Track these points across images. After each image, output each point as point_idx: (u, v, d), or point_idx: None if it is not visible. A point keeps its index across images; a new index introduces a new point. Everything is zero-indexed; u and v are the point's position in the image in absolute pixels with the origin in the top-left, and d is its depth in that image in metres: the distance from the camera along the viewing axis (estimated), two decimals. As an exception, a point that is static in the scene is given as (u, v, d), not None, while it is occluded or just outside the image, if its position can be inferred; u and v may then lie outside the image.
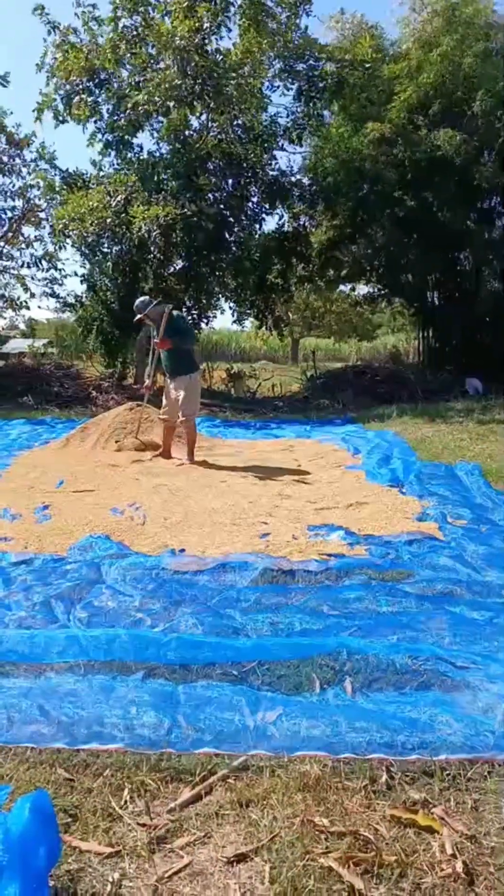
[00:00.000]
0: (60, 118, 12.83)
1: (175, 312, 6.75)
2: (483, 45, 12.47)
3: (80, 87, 12.44)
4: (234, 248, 13.25)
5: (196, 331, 14.78)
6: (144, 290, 13.05)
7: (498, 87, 12.08)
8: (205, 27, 11.48)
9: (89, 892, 1.55)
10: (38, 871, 1.45)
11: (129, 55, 12.17)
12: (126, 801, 1.86)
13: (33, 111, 12.80)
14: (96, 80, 12.54)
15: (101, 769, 1.98)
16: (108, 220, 11.51)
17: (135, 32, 12.19)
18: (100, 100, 12.77)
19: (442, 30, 12.72)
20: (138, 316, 6.72)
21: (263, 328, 16.37)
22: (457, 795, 1.86)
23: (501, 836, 1.72)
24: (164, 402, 6.90)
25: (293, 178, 14.49)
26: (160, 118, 12.52)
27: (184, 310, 14.62)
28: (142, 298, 6.84)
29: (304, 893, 1.52)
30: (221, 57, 12.05)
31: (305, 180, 14.80)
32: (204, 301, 14.23)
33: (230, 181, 13.53)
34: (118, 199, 11.64)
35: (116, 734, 2.11)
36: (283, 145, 13.99)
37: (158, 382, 8.60)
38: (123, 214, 11.50)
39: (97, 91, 12.65)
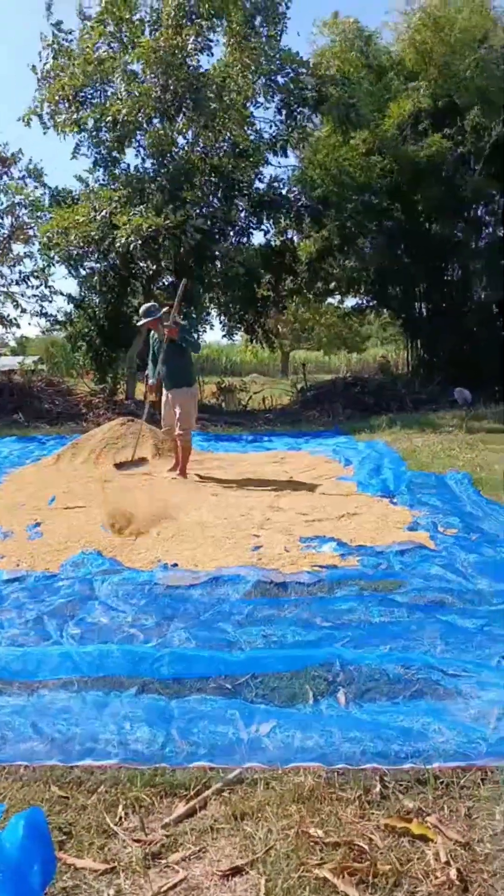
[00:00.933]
0: (46, 126, 12.92)
1: (184, 322, 6.81)
2: (476, 54, 12.59)
3: (69, 96, 12.53)
4: (221, 262, 13.32)
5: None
6: (133, 306, 13.11)
7: (480, 99, 12.25)
8: (188, 46, 11.60)
9: (85, 909, 1.55)
10: (32, 889, 1.45)
11: (111, 66, 12.27)
12: (121, 818, 1.86)
13: (19, 119, 12.86)
14: (81, 95, 12.63)
15: (95, 785, 1.98)
16: (93, 234, 11.57)
17: (117, 43, 12.31)
18: (84, 113, 12.86)
19: (434, 38, 12.86)
20: (145, 321, 6.60)
21: (254, 342, 16.42)
22: (450, 803, 1.87)
23: (495, 842, 1.73)
24: (164, 417, 6.90)
25: (281, 192, 14.60)
26: (142, 134, 12.63)
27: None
28: (148, 304, 6.79)
29: (299, 905, 1.53)
30: (203, 71, 12.19)
31: (293, 193, 14.91)
32: (194, 315, 14.28)
33: (217, 195, 13.62)
34: (103, 213, 11.70)
35: (110, 750, 2.11)
36: (268, 159, 14.11)
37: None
38: (107, 227, 11.56)
39: (81, 106, 12.74)
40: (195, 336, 6.86)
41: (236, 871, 1.65)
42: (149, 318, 6.55)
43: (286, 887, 1.57)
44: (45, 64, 12.68)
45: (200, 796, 1.92)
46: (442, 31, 12.83)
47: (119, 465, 6.95)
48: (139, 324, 6.95)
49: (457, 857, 1.67)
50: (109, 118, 11.84)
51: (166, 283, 13.81)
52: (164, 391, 6.81)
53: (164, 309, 6.69)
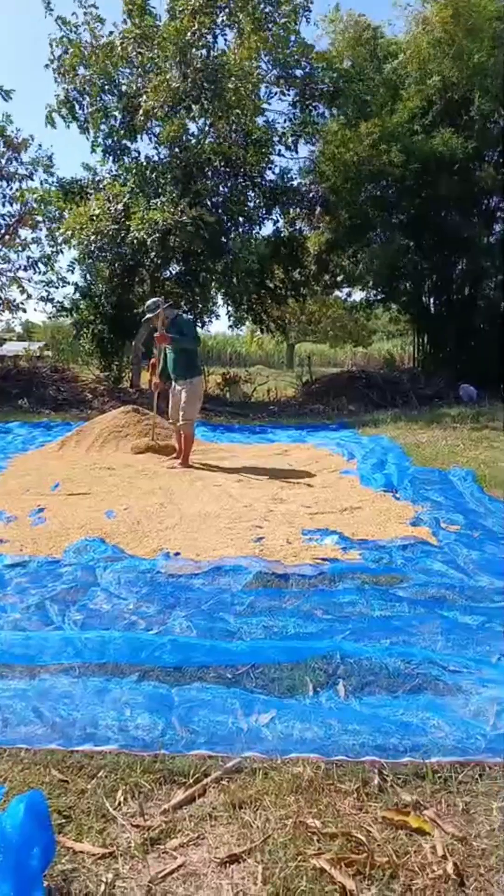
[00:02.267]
0: (68, 121, 12.92)
1: (184, 316, 6.87)
2: (491, 35, 12.47)
3: (91, 87, 12.50)
4: (231, 253, 13.30)
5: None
6: (140, 294, 13.11)
7: (494, 85, 12.13)
8: (205, 32, 11.55)
9: (83, 893, 1.56)
10: (32, 872, 1.46)
11: (136, 54, 12.23)
12: (120, 803, 1.87)
13: (45, 118, 12.87)
14: (102, 83, 12.60)
15: (95, 770, 1.99)
16: (109, 230, 11.57)
17: (139, 32, 12.26)
18: (109, 105, 12.84)
19: (450, 20, 12.73)
20: (148, 316, 6.73)
21: (261, 332, 16.40)
22: (448, 798, 1.88)
23: (492, 837, 1.73)
24: (171, 407, 6.96)
25: (293, 183, 14.55)
26: (157, 123, 12.59)
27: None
28: (153, 300, 6.85)
29: (296, 894, 1.54)
30: (220, 60, 12.12)
31: (305, 184, 14.85)
32: (201, 305, 14.26)
33: (228, 185, 13.58)
34: (117, 206, 11.69)
35: (111, 736, 2.12)
36: (279, 151, 14.06)
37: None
38: (123, 220, 11.55)
39: (104, 95, 12.72)
40: (193, 332, 6.87)
41: (234, 858, 1.67)
42: (150, 315, 6.68)
43: (283, 876, 1.58)
44: (58, 61, 12.65)
45: (199, 784, 1.93)
46: (461, 15, 12.69)
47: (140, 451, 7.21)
48: (144, 320, 7.05)
49: (454, 852, 1.68)
50: (141, 112, 11.79)
51: (173, 273, 13.79)
52: (172, 382, 6.88)
53: (168, 304, 6.76)
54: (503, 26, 12.79)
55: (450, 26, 12.72)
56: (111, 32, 12.46)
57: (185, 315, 6.86)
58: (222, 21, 12.23)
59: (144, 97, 11.72)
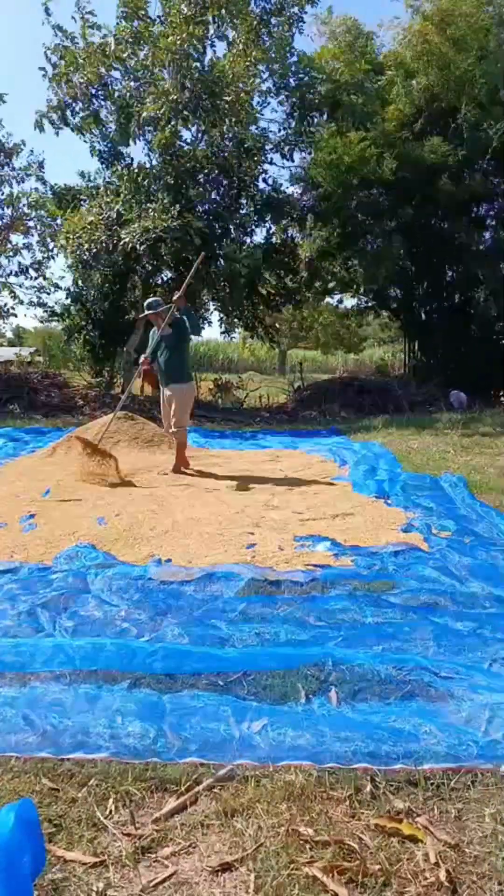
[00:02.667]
0: (57, 127, 12.93)
1: (184, 320, 6.82)
2: (476, 46, 12.59)
3: (80, 94, 12.52)
4: (222, 260, 13.32)
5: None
6: (132, 301, 13.12)
7: (482, 94, 12.23)
8: (198, 42, 11.61)
9: (73, 902, 1.55)
10: (22, 880, 1.45)
11: (128, 56, 12.26)
12: (111, 811, 1.86)
13: (35, 123, 12.85)
14: (95, 89, 12.62)
15: (85, 779, 1.98)
16: (101, 237, 11.59)
17: (132, 38, 12.30)
18: (102, 108, 12.85)
19: (436, 30, 12.85)
20: (147, 312, 6.73)
21: (253, 338, 16.42)
22: (440, 805, 1.88)
23: (484, 844, 1.73)
24: (163, 415, 6.94)
25: (285, 191, 14.61)
26: (150, 129, 12.62)
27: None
28: (154, 299, 6.89)
29: (288, 902, 1.53)
30: (216, 71, 12.19)
31: (296, 192, 14.92)
32: (193, 312, 14.27)
33: (220, 193, 13.62)
34: (111, 214, 11.71)
35: (102, 743, 2.11)
36: (272, 159, 14.13)
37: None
38: (115, 227, 11.57)
39: (98, 101, 12.73)
40: (196, 321, 6.89)
41: (226, 867, 1.66)
42: (150, 311, 6.67)
43: (276, 884, 1.58)
44: (53, 68, 12.67)
45: (191, 792, 1.92)
46: (447, 26, 12.80)
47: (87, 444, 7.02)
48: (141, 315, 7.06)
49: (446, 859, 1.67)
50: (140, 119, 11.83)
51: (166, 279, 13.81)
52: (161, 388, 6.85)
53: (167, 306, 6.76)
54: (490, 38, 12.91)
55: (436, 38, 12.83)
56: (105, 35, 12.49)
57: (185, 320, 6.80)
58: (215, 31, 12.27)
59: (146, 104, 11.73)
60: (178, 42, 11.36)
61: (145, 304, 6.86)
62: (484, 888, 1.59)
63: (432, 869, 1.64)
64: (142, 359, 6.90)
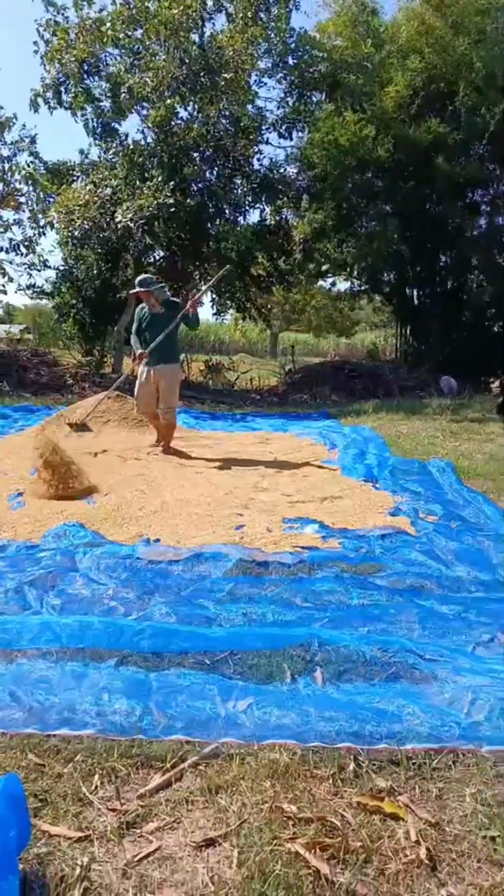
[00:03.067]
0: (52, 106, 12.74)
1: (177, 301, 6.73)
2: (474, 29, 12.47)
3: (72, 73, 12.33)
4: (215, 240, 13.22)
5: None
6: (124, 279, 13.02)
7: (479, 78, 12.13)
8: (196, 13, 11.43)
9: (58, 876, 1.56)
10: (7, 854, 1.46)
11: (123, 36, 12.07)
12: (96, 787, 1.87)
13: (30, 102, 12.66)
14: (87, 66, 12.42)
15: (71, 755, 1.99)
16: (95, 215, 11.46)
17: (130, 12, 12.10)
18: (93, 85, 12.67)
19: (434, 12, 12.72)
20: (138, 289, 6.47)
21: (245, 319, 16.32)
22: (422, 784, 1.90)
23: (464, 823, 1.76)
24: (140, 394, 6.65)
25: (281, 171, 14.45)
26: (145, 105, 12.46)
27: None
28: (146, 276, 6.65)
29: (270, 878, 1.55)
30: (217, 47, 12.02)
31: (292, 171, 14.78)
32: (184, 292, 14.18)
33: (215, 171, 13.49)
34: (105, 192, 11.58)
35: (88, 720, 2.12)
36: (267, 139, 13.98)
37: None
38: (109, 206, 11.45)
39: (90, 78, 12.54)
40: (198, 318, 6.77)
41: (210, 842, 1.68)
42: (142, 288, 6.45)
43: (258, 860, 1.60)
44: (46, 45, 12.46)
45: (176, 769, 1.94)
46: (443, 7, 12.68)
47: (73, 426, 7.19)
48: (132, 291, 6.92)
49: (427, 837, 1.70)
50: (125, 89, 11.66)
51: (158, 258, 13.69)
52: (144, 367, 6.56)
53: (160, 285, 6.65)
54: (487, 21, 12.79)
55: (434, 19, 12.70)
56: (101, 10, 12.29)
57: (177, 301, 6.70)
58: (213, 4, 12.08)
59: (140, 79, 11.57)
60: (175, 15, 11.18)
61: (137, 280, 6.64)
62: (463, 866, 1.62)
63: (413, 847, 1.66)
64: (137, 352, 6.66)
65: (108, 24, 12.06)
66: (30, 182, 13.77)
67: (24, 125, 14.52)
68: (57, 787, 1.86)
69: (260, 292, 16.25)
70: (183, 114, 12.91)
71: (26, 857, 1.60)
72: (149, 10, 11.93)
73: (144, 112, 12.70)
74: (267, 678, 2.42)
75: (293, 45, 12.78)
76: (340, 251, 15.26)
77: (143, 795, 1.84)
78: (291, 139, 14.10)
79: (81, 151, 13.75)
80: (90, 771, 1.93)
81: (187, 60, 11.51)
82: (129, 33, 12.11)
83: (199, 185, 12.81)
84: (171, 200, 10.93)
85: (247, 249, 13.83)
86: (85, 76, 12.55)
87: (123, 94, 11.88)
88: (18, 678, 2.33)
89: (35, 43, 12.57)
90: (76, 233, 12.05)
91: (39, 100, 12.72)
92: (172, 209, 11.06)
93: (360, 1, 14.18)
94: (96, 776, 1.91)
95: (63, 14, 12.42)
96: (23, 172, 13.81)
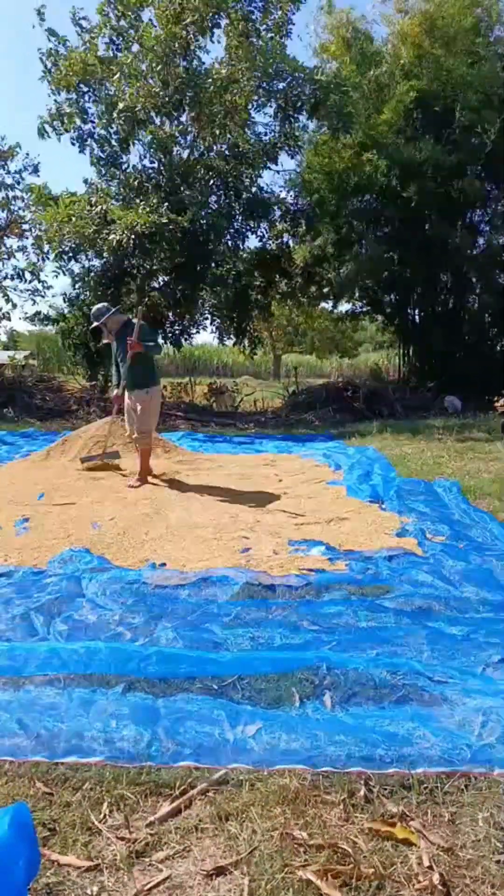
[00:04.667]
0: (59, 132, 12.94)
1: (140, 322, 6.27)
2: (467, 49, 12.64)
3: (72, 97, 12.56)
4: (216, 264, 13.32)
5: (179, 346, 14.83)
6: (129, 305, 13.12)
7: (476, 99, 12.27)
8: (189, 36, 11.65)
9: (68, 906, 1.55)
10: (16, 884, 1.45)
11: (115, 55, 12.30)
12: (105, 815, 1.86)
13: (38, 130, 12.86)
14: (85, 87, 12.65)
15: (80, 783, 1.98)
16: (86, 231, 11.57)
17: (121, 36, 12.34)
18: (88, 105, 12.88)
19: (423, 33, 12.90)
20: (94, 324, 6.29)
21: (237, 345, 16.34)
22: (434, 808, 1.89)
23: (478, 848, 1.74)
24: (126, 420, 6.55)
25: (278, 196, 14.61)
26: (144, 132, 12.66)
27: (167, 325, 14.66)
28: (98, 305, 6.44)
29: (282, 906, 1.53)
30: (204, 68, 12.24)
31: (290, 197, 14.94)
32: (187, 317, 14.28)
33: (214, 197, 13.64)
34: (98, 209, 11.71)
35: (96, 747, 2.11)
36: (267, 165, 14.14)
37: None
38: (101, 221, 11.57)
39: (85, 97, 12.76)
40: (155, 337, 6.52)
41: (220, 870, 1.66)
42: (96, 323, 6.26)
43: (270, 888, 1.58)
44: (50, 74, 12.70)
45: (185, 796, 1.92)
46: (435, 30, 12.87)
47: (85, 459, 7.04)
48: (91, 328, 6.64)
49: (440, 862, 1.68)
50: (116, 111, 11.86)
51: (161, 283, 13.80)
52: (126, 393, 6.42)
53: (116, 309, 6.42)
54: (479, 40, 12.98)
55: (424, 41, 12.88)
56: (93, 36, 12.52)
57: (136, 322, 6.29)
58: (204, 26, 12.27)
59: (123, 96, 11.77)
60: (163, 38, 11.40)
61: (91, 313, 6.41)
62: (477, 891, 1.60)
63: (426, 872, 1.64)
64: (114, 394, 6.54)
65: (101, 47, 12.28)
66: (34, 207, 13.93)
67: (27, 154, 14.65)
68: (65, 815, 1.85)
69: (260, 316, 16.31)
70: (182, 140, 13.10)
71: (35, 887, 1.59)
72: (137, 26, 12.16)
73: (146, 139, 12.89)
74: (275, 703, 2.40)
75: (283, 73, 12.95)
76: (340, 274, 15.32)
77: (152, 823, 1.83)
78: (277, 163, 14.26)
79: (86, 181, 13.89)
80: (99, 799, 1.92)
81: (172, 82, 11.69)
82: (123, 55, 12.31)
83: (198, 208, 12.93)
84: (165, 220, 11.02)
85: (246, 273, 13.92)
86: (81, 97, 12.76)
87: (117, 117, 12.02)
88: (26, 705, 2.32)
89: (43, 71, 12.80)
90: (66, 247, 12.14)
91: (47, 127, 12.91)
92: (170, 227, 11.15)
93: (353, 27, 14.42)
94: (105, 804, 1.90)
95: (65, 44, 12.65)
96: (28, 199, 13.98)
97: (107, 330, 6.29)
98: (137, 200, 11.79)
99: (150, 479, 6.51)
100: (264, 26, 12.62)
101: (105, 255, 12.06)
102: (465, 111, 12.44)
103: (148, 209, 11.24)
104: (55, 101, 12.77)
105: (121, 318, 6.36)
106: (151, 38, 11.51)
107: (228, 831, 1.79)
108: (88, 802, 1.90)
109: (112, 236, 11.09)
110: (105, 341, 6.52)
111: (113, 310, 6.34)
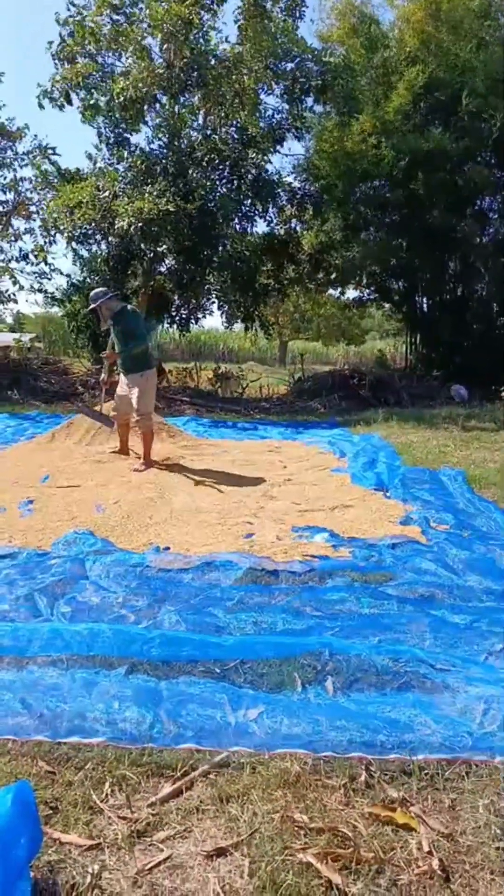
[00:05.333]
0: (59, 105, 12.81)
1: (129, 309, 6.41)
2: (475, 33, 12.49)
3: (80, 81, 12.43)
4: (223, 248, 13.26)
5: (186, 329, 14.78)
6: (134, 288, 13.07)
7: (483, 85, 12.13)
8: (192, 17, 11.51)
9: (69, 884, 1.56)
10: (18, 862, 1.46)
11: (121, 38, 12.17)
12: (107, 795, 1.87)
13: (38, 102, 12.74)
14: (90, 79, 12.53)
15: (82, 763, 1.99)
16: (95, 215, 11.51)
17: (126, 14, 12.21)
18: (97, 97, 12.77)
19: (432, 23, 12.75)
20: (91, 306, 6.41)
21: (249, 330, 16.30)
22: (434, 794, 1.89)
23: (477, 834, 1.74)
24: (116, 402, 6.64)
25: (285, 180, 14.52)
26: (154, 114, 12.57)
27: (173, 309, 14.60)
28: (97, 290, 6.51)
29: (282, 888, 1.54)
30: (208, 48, 12.11)
31: (297, 182, 14.84)
32: (194, 301, 14.23)
33: (223, 181, 13.55)
34: (106, 194, 11.64)
35: (98, 728, 2.12)
36: (275, 148, 14.02)
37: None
38: (109, 208, 11.51)
39: (93, 91, 12.65)
40: (140, 327, 6.46)
41: (221, 851, 1.67)
42: (93, 304, 6.38)
43: (270, 870, 1.59)
44: (61, 44, 12.55)
45: (187, 777, 1.93)
46: (441, 13, 12.71)
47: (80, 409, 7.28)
48: (87, 310, 6.87)
49: (439, 848, 1.69)
50: (120, 99, 11.76)
51: (168, 266, 13.74)
52: (122, 378, 6.52)
53: (112, 294, 6.49)
54: (487, 23, 12.81)
55: (429, 26, 12.72)
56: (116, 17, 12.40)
57: (133, 308, 6.46)
58: (211, 4, 12.13)
59: (127, 85, 11.65)
60: (167, 17, 11.27)
61: (89, 296, 6.56)
62: (476, 877, 1.61)
63: (425, 857, 1.65)
64: (102, 378, 6.74)
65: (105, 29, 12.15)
66: (41, 189, 13.85)
67: (35, 135, 14.53)
68: (67, 794, 1.86)
69: (268, 301, 16.24)
70: (191, 121, 13.00)
71: (37, 864, 1.60)
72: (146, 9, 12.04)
73: (153, 122, 12.80)
74: (277, 687, 2.41)
75: (292, 54, 12.80)
76: (347, 260, 15.22)
77: (153, 804, 1.84)
78: (283, 146, 14.14)
79: (89, 157, 13.76)
80: (101, 779, 1.93)
81: (177, 63, 11.57)
82: (126, 36, 12.18)
83: (205, 192, 12.85)
84: (172, 207, 10.95)
85: (254, 258, 13.84)
86: (91, 90, 12.65)
87: (120, 98, 11.91)
88: (29, 685, 2.33)
89: (50, 42, 12.64)
90: (76, 233, 12.09)
91: (46, 98, 12.77)
92: (174, 214, 11.08)
93: (360, 10, 14.26)
94: (107, 784, 1.91)
95: (83, 14, 12.49)
96: (35, 180, 13.90)
97: (101, 314, 6.38)
98: (145, 186, 11.70)
99: (154, 464, 6.50)
100: (278, 7, 12.45)
101: (110, 239, 12.00)
102: (471, 97, 12.28)
103: (155, 193, 11.16)
104: (62, 73, 12.58)
105: (114, 304, 6.38)
106: (159, 12, 11.34)
107: (229, 813, 1.80)
108: (90, 782, 1.91)
109: (120, 223, 11.03)
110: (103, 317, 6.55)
111: (108, 295, 6.37)
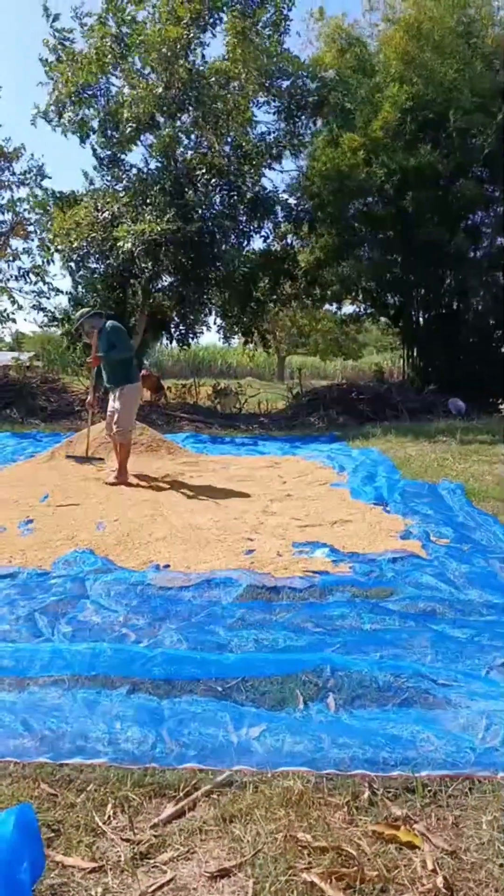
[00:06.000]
0: (54, 125, 12.95)
1: (110, 324, 6.46)
2: (457, 52, 12.64)
3: (73, 97, 12.56)
4: (221, 265, 13.34)
5: (185, 345, 14.84)
6: (133, 306, 13.12)
7: (470, 102, 12.26)
8: (188, 36, 11.65)
9: (72, 907, 1.55)
10: (21, 885, 1.45)
11: (116, 63, 12.31)
12: (109, 817, 1.86)
13: (32, 122, 12.89)
14: (84, 95, 12.65)
15: (84, 784, 1.98)
16: (94, 237, 11.60)
17: (122, 42, 12.35)
18: (88, 114, 12.88)
19: (413, 45, 12.92)
20: (75, 325, 6.66)
21: (250, 344, 16.36)
22: (438, 811, 1.88)
23: (482, 851, 1.74)
24: (108, 418, 6.69)
25: (281, 197, 14.63)
26: (149, 135, 12.67)
27: (171, 326, 14.66)
28: (81, 311, 6.77)
29: (286, 908, 1.53)
30: (204, 67, 12.25)
31: (292, 200, 14.96)
32: (191, 317, 14.29)
33: (218, 198, 13.65)
34: (105, 215, 11.72)
35: (100, 749, 2.12)
36: (270, 164, 14.14)
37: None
38: (110, 229, 11.59)
39: (84, 107, 12.77)
40: (124, 342, 6.52)
41: (224, 873, 1.66)
42: (76, 324, 6.66)
43: (274, 891, 1.58)
44: (49, 66, 12.72)
45: (189, 797, 1.92)
46: (421, 35, 12.89)
47: (70, 457, 7.35)
48: (74, 330, 7.13)
49: (443, 865, 1.68)
50: (115, 120, 11.90)
51: (166, 284, 13.81)
52: (110, 395, 6.68)
53: (92, 313, 6.63)
54: (471, 41, 12.98)
55: (410, 47, 12.89)
56: (102, 37, 12.54)
57: (113, 323, 6.53)
58: (203, 24, 12.27)
59: (127, 105, 11.78)
60: (162, 40, 11.41)
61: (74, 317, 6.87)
62: (481, 895, 1.60)
63: (430, 876, 1.64)
64: (88, 399, 7.11)
65: (103, 55, 12.27)
66: (37, 210, 13.95)
67: (31, 155, 14.67)
68: (70, 817, 1.85)
69: (264, 316, 16.31)
70: (186, 141, 13.12)
71: (40, 888, 1.59)
72: (137, 26, 12.17)
73: (148, 141, 12.90)
74: (279, 705, 2.40)
75: (282, 68, 12.94)
76: (342, 277, 15.31)
77: (156, 825, 1.83)
78: (281, 163, 14.27)
79: (86, 175, 13.88)
80: (103, 800, 1.92)
81: (175, 84, 11.70)
82: (123, 63, 12.32)
83: (202, 210, 12.93)
84: (174, 227, 11.04)
85: (251, 274, 13.91)
86: (81, 105, 12.77)
87: (122, 126, 12.06)
88: (31, 706, 2.33)
89: (42, 60, 12.80)
90: (75, 255, 12.18)
91: (39, 117, 12.90)
92: (175, 234, 11.16)
93: (347, 33, 14.46)
94: (109, 806, 1.90)
95: (70, 40, 12.66)
96: (31, 202, 14.02)
97: (85, 333, 6.64)
98: (144, 206, 11.79)
99: (155, 481, 6.58)
100: (261, 23, 12.61)
101: (115, 261, 12.07)
102: (458, 113, 12.43)
103: (156, 214, 11.25)
104: (56, 94, 12.72)
105: (96, 322, 6.51)
106: (156, 35, 11.48)
107: (232, 833, 1.80)
108: (93, 804, 1.90)
109: (123, 245, 11.10)
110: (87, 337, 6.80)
111: (88, 315, 6.58)
